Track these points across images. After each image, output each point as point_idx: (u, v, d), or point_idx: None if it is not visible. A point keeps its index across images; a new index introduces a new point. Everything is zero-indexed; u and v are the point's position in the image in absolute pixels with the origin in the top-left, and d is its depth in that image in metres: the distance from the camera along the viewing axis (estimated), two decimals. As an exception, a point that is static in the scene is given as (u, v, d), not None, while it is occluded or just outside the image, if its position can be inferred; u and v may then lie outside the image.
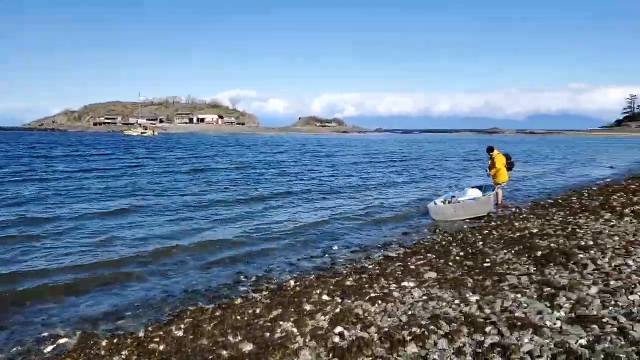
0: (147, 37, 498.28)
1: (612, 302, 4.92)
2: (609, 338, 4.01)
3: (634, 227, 8.79)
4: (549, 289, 5.54)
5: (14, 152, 41.61)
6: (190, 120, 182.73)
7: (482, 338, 4.35)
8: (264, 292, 6.79)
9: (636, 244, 7.36)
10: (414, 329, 4.66)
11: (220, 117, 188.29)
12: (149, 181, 21.10)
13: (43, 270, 8.04)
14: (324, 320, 5.27)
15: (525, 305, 5.08)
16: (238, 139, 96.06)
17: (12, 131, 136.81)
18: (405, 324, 4.88)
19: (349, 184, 20.88)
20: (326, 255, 9.18)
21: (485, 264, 7.14)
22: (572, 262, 6.63)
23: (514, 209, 13.17)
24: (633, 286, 5.34)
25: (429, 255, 8.25)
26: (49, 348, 5.33)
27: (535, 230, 9.34)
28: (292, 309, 5.73)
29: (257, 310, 5.82)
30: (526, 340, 4.18)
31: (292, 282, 7.15)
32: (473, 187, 14.10)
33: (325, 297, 6.14)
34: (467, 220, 12.15)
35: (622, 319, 4.42)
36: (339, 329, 4.94)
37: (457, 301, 5.50)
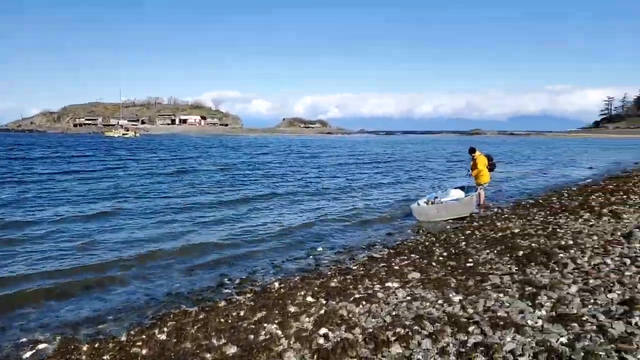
0: (126, 37, 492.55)
1: (592, 301, 5.01)
2: (588, 336, 4.09)
3: (612, 227, 8.97)
4: (530, 288, 5.62)
5: (-8, 154, 40.72)
6: (173, 122, 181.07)
7: (466, 338, 4.39)
8: (248, 295, 6.76)
9: (614, 243, 7.51)
10: (398, 330, 4.68)
11: (203, 118, 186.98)
12: (131, 183, 20.83)
13: (23, 275, 7.86)
14: (309, 321, 5.27)
15: (508, 304, 5.15)
16: (221, 140, 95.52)
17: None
18: (389, 325, 4.90)
19: (334, 185, 20.92)
20: (311, 256, 9.17)
21: (468, 264, 7.20)
22: (552, 261, 6.74)
23: (496, 210, 13.33)
24: (611, 285, 5.45)
25: (412, 255, 8.30)
26: (28, 354, 5.22)
27: (517, 231, 9.47)
28: (277, 311, 5.71)
29: (241, 313, 5.79)
30: (508, 339, 4.24)
31: (276, 284, 7.12)
32: (456, 188, 14.24)
33: (309, 299, 6.13)
34: (450, 220, 12.26)
35: (601, 317, 4.50)
36: (323, 330, 4.95)
37: (440, 301, 5.55)
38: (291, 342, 4.73)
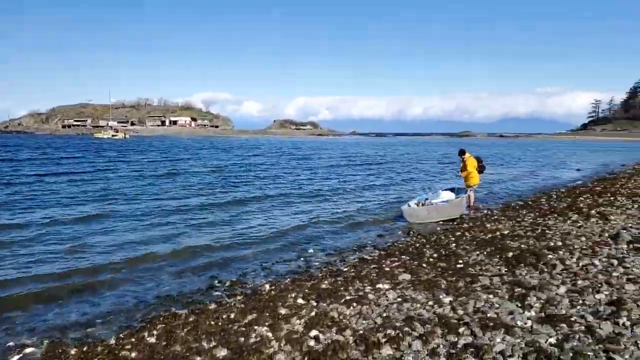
0: (116, 38, 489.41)
1: (580, 302, 5.06)
2: (577, 336, 4.13)
3: (600, 228, 9.07)
4: (520, 289, 5.66)
5: (-21, 156, 40.19)
6: (163, 123, 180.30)
7: (456, 339, 4.41)
8: (239, 297, 6.73)
9: (602, 244, 7.60)
10: (388, 331, 4.69)
11: (194, 119, 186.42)
12: (121, 185, 20.66)
13: (10, 279, 7.75)
14: (299, 324, 5.26)
15: (497, 305, 5.18)
16: (212, 141, 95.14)
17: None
18: (380, 326, 4.91)
19: (326, 187, 20.90)
20: (301, 258, 9.15)
21: (458, 265, 7.24)
22: (541, 262, 6.79)
23: (485, 211, 13.42)
24: (599, 285, 5.51)
25: (403, 257, 8.32)
26: (15, 358, 5.15)
27: (506, 232, 9.54)
28: (267, 314, 5.69)
29: (232, 315, 5.76)
30: (498, 340, 4.27)
31: (267, 287, 7.10)
32: (446, 190, 14.33)
33: (300, 301, 6.12)
34: (441, 222, 12.32)
35: (590, 318, 4.55)
36: (314, 332, 4.94)
37: (431, 302, 5.56)
38: (282, 345, 4.72)
